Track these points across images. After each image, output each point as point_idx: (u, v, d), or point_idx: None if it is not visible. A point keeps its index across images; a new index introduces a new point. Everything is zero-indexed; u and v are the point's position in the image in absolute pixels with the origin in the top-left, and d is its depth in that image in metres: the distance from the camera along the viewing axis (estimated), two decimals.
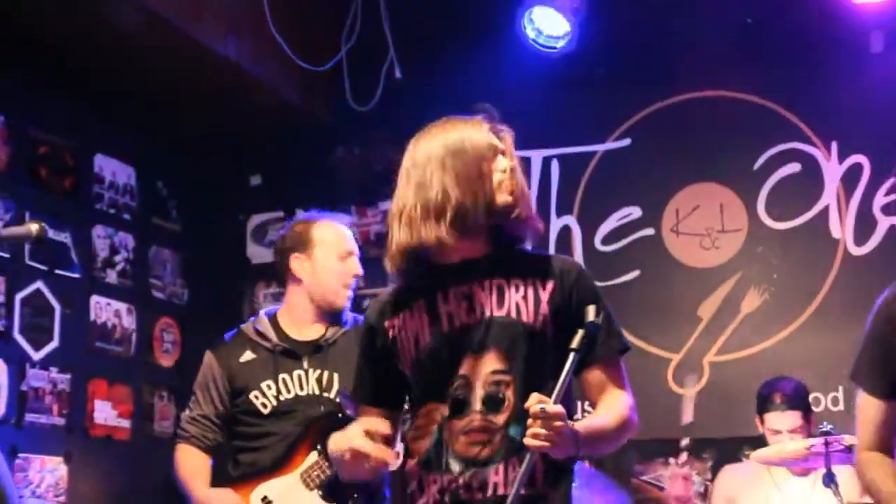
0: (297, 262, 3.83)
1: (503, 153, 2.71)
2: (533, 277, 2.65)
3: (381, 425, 2.57)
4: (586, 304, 2.55)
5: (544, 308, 2.61)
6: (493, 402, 2.54)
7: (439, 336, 2.64)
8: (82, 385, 5.31)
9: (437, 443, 2.58)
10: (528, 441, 2.32)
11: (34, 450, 5.04)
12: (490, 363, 2.58)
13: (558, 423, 2.31)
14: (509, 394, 2.55)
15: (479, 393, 2.57)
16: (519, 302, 2.63)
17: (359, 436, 2.53)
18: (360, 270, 3.91)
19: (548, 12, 5.23)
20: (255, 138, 6.02)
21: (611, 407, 2.60)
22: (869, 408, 2.85)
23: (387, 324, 2.73)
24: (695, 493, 5.22)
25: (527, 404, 2.34)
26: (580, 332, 2.40)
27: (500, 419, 2.52)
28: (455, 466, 2.55)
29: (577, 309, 2.57)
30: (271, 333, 3.84)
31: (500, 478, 2.52)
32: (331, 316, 3.86)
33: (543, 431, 2.30)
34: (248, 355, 3.83)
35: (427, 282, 2.70)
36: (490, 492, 2.52)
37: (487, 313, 2.62)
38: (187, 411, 3.97)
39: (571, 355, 2.39)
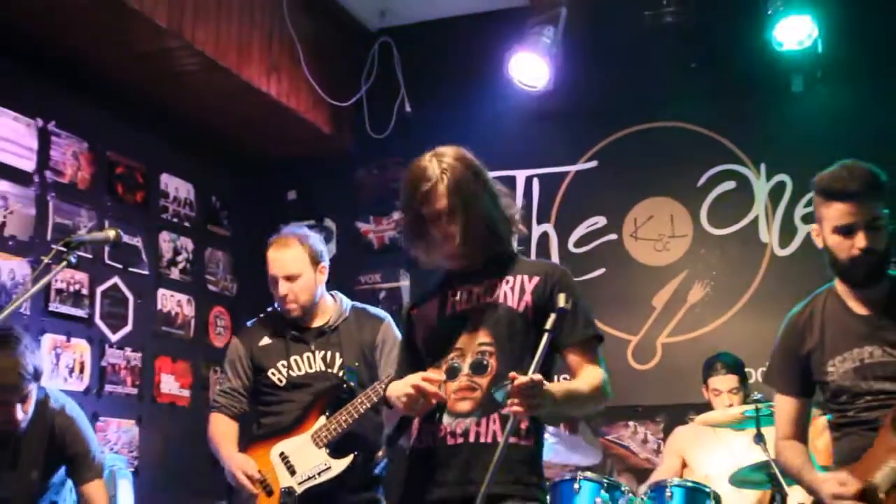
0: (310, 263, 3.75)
1: None
2: (522, 274, 2.71)
3: (435, 374, 2.61)
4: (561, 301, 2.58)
5: (527, 297, 2.65)
6: (478, 368, 2.60)
7: (442, 319, 2.73)
8: (151, 362, 5.38)
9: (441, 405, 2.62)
10: (509, 410, 2.39)
11: (112, 415, 5.12)
12: (479, 338, 2.64)
13: (534, 396, 2.38)
14: (493, 361, 2.60)
15: (468, 360, 2.63)
16: (507, 291, 2.68)
17: (418, 378, 2.55)
18: (280, 293, 3.71)
19: (529, 58, 5.29)
20: (291, 160, 6.06)
21: (586, 378, 2.62)
22: (784, 404, 2.92)
23: (413, 311, 2.86)
24: (650, 450, 5.26)
25: (516, 382, 2.38)
26: (552, 316, 2.46)
27: (484, 381, 2.58)
28: (446, 419, 2.62)
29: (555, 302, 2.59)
30: (284, 322, 3.78)
31: (480, 428, 2.58)
32: (310, 312, 3.75)
33: (520, 408, 2.37)
34: (265, 340, 3.78)
35: (444, 282, 2.81)
36: (472, 438, 2.58)
37: (481, 300, 2.69)
38: (218, 385, 4.01)
39: (546, 335, 2.44)
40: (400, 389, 2.57)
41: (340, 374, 3.67)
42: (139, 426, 5.29)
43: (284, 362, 3.70)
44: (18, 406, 3.46)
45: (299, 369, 3.70)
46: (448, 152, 2.71)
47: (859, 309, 2.81)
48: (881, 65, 5.16)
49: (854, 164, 2.80)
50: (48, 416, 3.66)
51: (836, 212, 2.72)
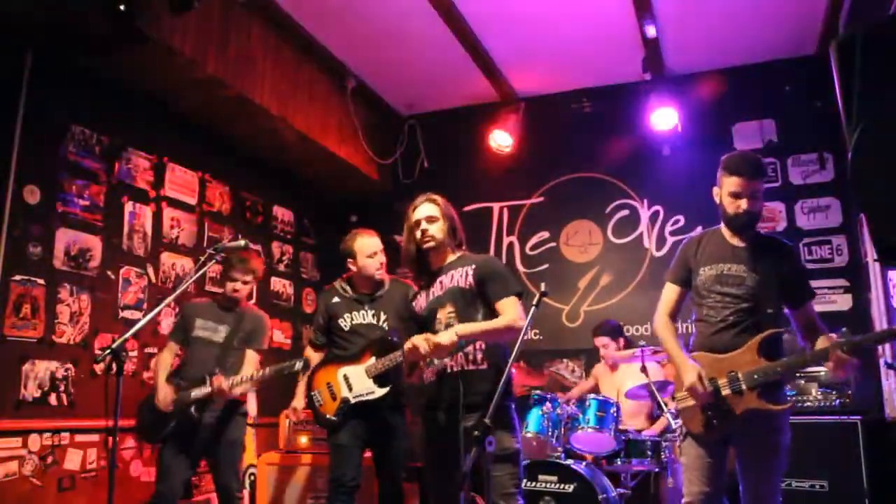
0: (350, 264, 3.67)
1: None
2: (468, 265, 2.68)
3: (422, 339, 2.56)
4: (490, 274, 2.61)
5: (470, 279, 2.63)
6: (447, 328, 2.59)
7: (427, 302, 2.72)
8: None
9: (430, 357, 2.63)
10: (406, 349, 2.51)
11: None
12: (447, 309, 2.63)
13: (431, 349, 2.44)
14: (456, 322, 2.59)
15: (444, 325, 2.61)
16: (459, 277, 2.66)
17: (420, 338, 2.52)
18: (377, 263, 3.63)
19: (501, 133, 5.41)
20: (353, 197, 5.99)
21: (498, 319, 2.54)
22: (670, 291, 2.78)
23: (413, 304, 2.83)
24: (576, 377, 5.21)
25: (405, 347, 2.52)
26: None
27: None
28: (435, 360, 2.62)
29: (487, 277, 2.61)
30: (348, 289, 3.69)
31: (454, 363, 2.58)
32: (373, 281, 3.66)
33: (419, 349, 2.46)
34: (336, 299, 3.67)
35: (428, 278, 2.79)
36: (448, 370, 2.58)
37: (447, 285, 2.67)
38: (311, 326, 3.96)
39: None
40: (408, 345, 2.59)
41: (385, 327, 3.58)
42: (260, 363, 5.21)
43: (347, 314, 3.62)
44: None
45: (357, 320, 3.61)
46: (437, 195, 2.84)
47: (734, 242, 2.69)
48: (715, 139, 5.14)
49: (749, 153, 2.79)
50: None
51: (732, 183, 2.62)
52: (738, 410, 2.53)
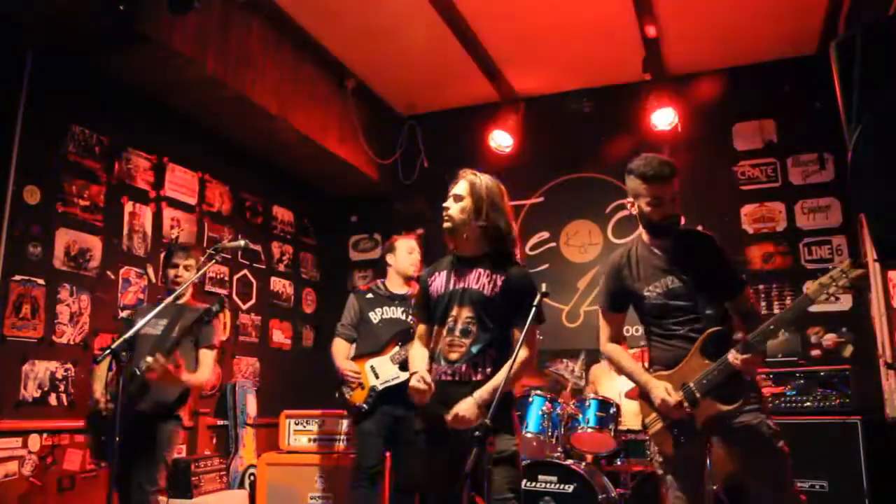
0: (389, 258, 3.96)
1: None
2: (499, 273, 2.50)
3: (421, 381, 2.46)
4: (521, 291, 2.45)
5: (496, 289, 2.48)
6: (465, 333, 2.49)
7: (445, 292, 2.57)
8: (266, 321, 5.42)
9: (439, 350, 2.54)
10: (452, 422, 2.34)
11: (243, 355, 5.15)
12: (466, 312, 2.50)
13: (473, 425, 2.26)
14: (474, 329, 2.48)
15: (459, 326, 2.50)
16: (486, 282, 2.50)
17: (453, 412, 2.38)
18: (413, 259, 3.94)
19: (501, 133, 5.40)
20: (353, 197, 6.01)
21: (515, 363, 2.29)
22: (609, 318, 2.69)
23: (429, 280, 2.66)
24: (576, 377, 4.71)
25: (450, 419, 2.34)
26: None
27: (467, 341, 2.48)
28: (443, 362, 2.51)
29: (516, 291, 2.46)
30: (383, 289, 3.94)
31: (462, 370, 2.47)
32: (407, 280, 3.94)
33: (462, 424, 2.31)
34: (370, 295, 3.93)
35: (453, 263, 2.62)
36: (458, 377, 2.47)
37: (470, 285, 2.52)
38: (341, 321, 3.95)
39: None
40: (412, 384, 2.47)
41: (410, 321, 3.79)
42: (260, 362, 5.33)
43: (378, 309, 3.88)
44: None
45: (388, 315, 3.87)
46: (485, 175, 2.63)
47: (659, 251, 2.59)
48: (715, 139, 5.14)
49: (655, 156, 2.58)
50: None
51: (652, 190, 2.50)
52: (700, 422, 2.44)
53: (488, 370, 2.46)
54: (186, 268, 3.49)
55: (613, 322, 2.71)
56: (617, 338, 2.71)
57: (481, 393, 2.40)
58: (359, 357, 3.83)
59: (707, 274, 2.52)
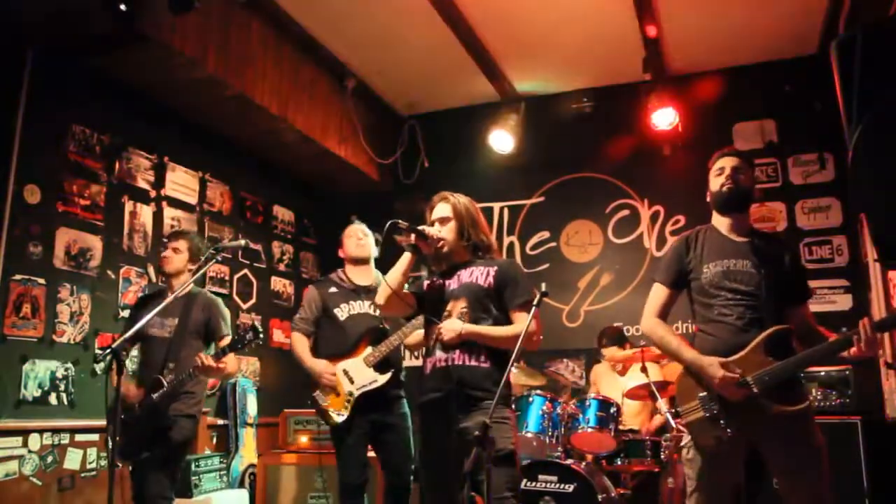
0: (340, 252, 3.71)
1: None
2: (491, 265, 2.63)
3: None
4: (510, 280, 2.56)
5: (490, 279, 2.59)
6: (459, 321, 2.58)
7: (443, 292, 2.66)
8: (267, 321, 5.41)
9: (434, 342, 2.59)
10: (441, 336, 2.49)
11: (244, 355, 4.88)
12: (461, 303, 2.59)
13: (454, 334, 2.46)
14: (466, 319, 2.55)
15: (454, 317, 2.57)
16: (480, 275, 2.62)
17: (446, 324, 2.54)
18: (357, 237, 3.71)
19: (501, 133, 5.39)
20: (354, 197, 5.94)
21: (506, 328, 2.50)
22: (660, 291, 2.58)
23: (426, 282, 2.76)
24: (576, 376, 5.22)
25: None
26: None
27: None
28: (438, 352, 2.57)
29: (507, 282, 2.57)
30: (347, 281, 3.64)
31: (457, 357, 2.52)
32: (360, 262, 3.65)
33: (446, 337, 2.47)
34: (333, 289, 3.60)
35: (445, 270, 2.71)
36: (453, 363, 2.51)
37: (463, 280, 2.62)
38: (298, 315, 3.68)
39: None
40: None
41: (379, 315, 3.54)
42: (260, 362, 5.33)
43: (343, 304, 3.57)
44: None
45: (353, 310, 3.56)
46: (459, 194, 2.74)
47: (733, 237, 2.54)
48: (715, 139, 5.02)
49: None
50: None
51: (732, 161, 2.58)
52: (748, 421, 2.34)
53: (482, 357, 2.51)
54: (175, 250, 3.37)
55: (664, 297, 2.59)
56: (664, 315, 2.58)
57: (471, 327, 2.52)
58: (327, 358, 3.50)
59: (783, 270, 2.47)
